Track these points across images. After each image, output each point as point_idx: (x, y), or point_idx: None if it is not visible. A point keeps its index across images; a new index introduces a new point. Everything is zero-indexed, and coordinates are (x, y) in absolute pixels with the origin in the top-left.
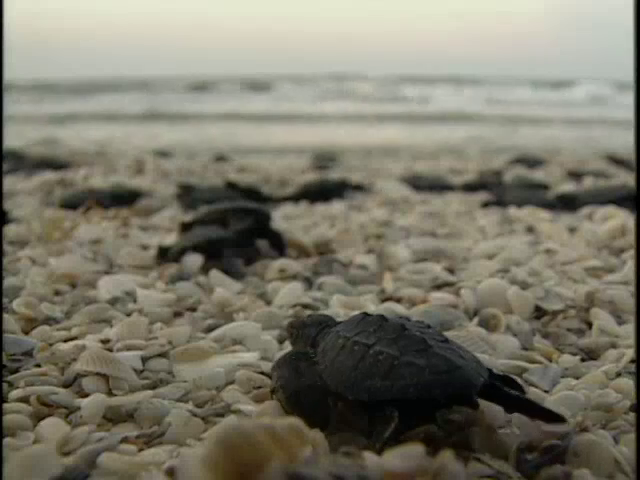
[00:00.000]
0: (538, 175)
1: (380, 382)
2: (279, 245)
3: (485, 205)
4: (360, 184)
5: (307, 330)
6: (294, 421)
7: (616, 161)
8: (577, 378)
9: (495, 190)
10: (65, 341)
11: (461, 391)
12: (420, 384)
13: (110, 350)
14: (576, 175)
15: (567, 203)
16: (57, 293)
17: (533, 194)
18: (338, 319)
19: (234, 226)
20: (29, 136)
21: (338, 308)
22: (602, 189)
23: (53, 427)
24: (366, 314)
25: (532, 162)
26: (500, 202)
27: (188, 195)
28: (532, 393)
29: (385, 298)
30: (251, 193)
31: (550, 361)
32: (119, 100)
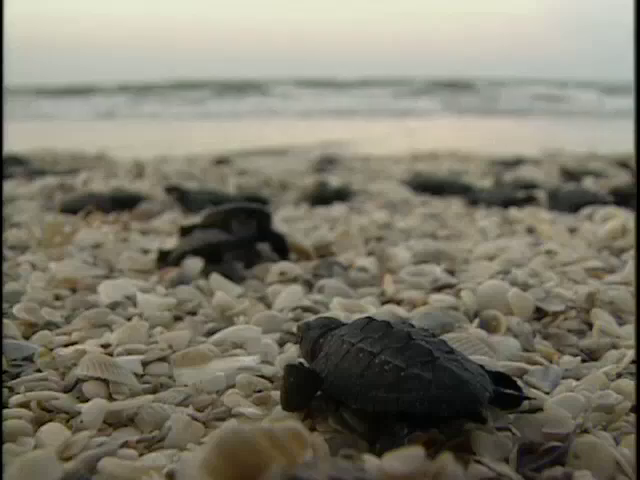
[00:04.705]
0: (538, 175)
1: (386, 394)
2: (282, 248)
3: (472, 203)
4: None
5: (311, 333)
6: (294, 424)
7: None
8: (578, 379)
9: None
10: (65, 346)
11: (468, 407)
12: (426, 399)
13: (110, 355)
14: (572, 175)
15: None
16: (57, 298)
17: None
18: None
19: (237, 231)
20: (29, 140)
21: (339, 311)
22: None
23: (54, 432)
24: (370, 319)
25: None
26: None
27: (180, 196)
28: (533, 394)
29: (386, 300)
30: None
31: (551, 362)
32: (119, 102)
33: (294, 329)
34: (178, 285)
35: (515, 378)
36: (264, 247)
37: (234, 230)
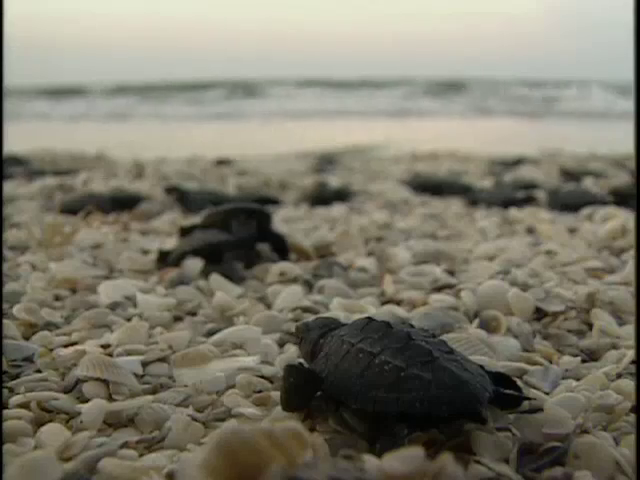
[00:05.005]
0: (537, 175)
1: (386, 394)
2: (282, 249)
3: (473, 203)
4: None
5: (310, 333)
6: (294, 425)
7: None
8: (578, 379)
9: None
10: (65, 346)
11: (467, 407)
12: (426, 399)
13: (110, 355)
14: (572, 175)
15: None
16: (57, 298)
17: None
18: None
19: (237, 231)
20: (29, 140)
21: (339, 311)
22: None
23: (54, 433)
24: (370, 319)
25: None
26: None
27: (180, 196)
28: (533, 395)
29: (385, 301)
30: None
31: (551, 362)
32: (119, 102)
33: (294, 329)
34: (178, 285)
35: (515, 378)
36: (264, 247)
37: (234, 230)
